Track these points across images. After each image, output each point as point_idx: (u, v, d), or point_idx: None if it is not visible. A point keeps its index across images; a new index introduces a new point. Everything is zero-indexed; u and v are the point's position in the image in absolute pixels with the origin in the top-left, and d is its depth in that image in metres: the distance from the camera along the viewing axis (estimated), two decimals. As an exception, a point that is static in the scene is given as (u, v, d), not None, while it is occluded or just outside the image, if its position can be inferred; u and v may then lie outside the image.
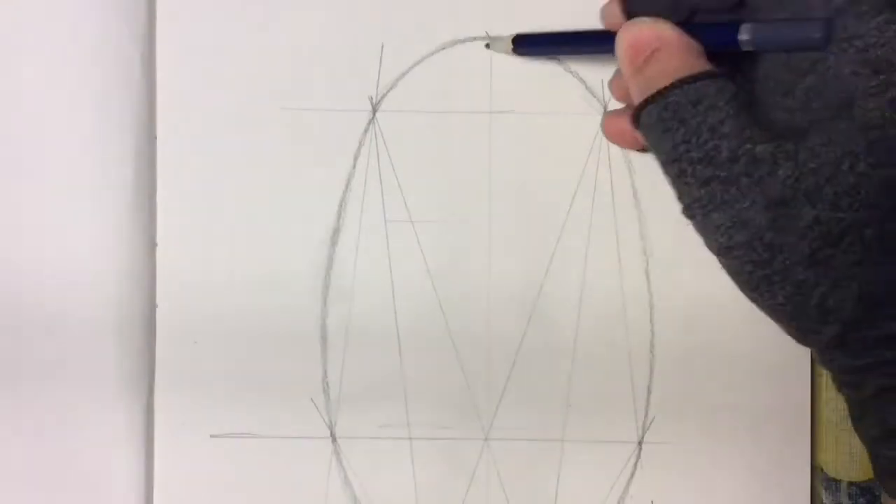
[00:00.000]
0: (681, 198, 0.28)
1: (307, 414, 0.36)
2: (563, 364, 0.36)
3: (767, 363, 0.36)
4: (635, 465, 0.36)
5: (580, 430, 0.36)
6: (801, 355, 0.36)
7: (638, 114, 0.29)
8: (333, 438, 0.37)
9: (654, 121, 0.28)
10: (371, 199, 0.37)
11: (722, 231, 0.27)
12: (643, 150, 0.32)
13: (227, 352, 0.36)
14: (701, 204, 0.27)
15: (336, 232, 0.37)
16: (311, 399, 0.36)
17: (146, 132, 0.37)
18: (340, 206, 0.37)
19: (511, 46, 0.35)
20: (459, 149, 0.37)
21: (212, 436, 0.36)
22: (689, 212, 0.28)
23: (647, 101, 0.28)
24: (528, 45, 0.35)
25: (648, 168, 0.36)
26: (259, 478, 0.37)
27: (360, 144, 0.37)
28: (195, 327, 0.37)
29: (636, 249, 0.36)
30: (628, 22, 0.29)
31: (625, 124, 0.31)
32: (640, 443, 0.36)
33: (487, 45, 0.36)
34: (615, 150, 0.36)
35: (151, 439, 0.37)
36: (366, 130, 0.37)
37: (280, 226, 0.37)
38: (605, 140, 0.36)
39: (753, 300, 0.29)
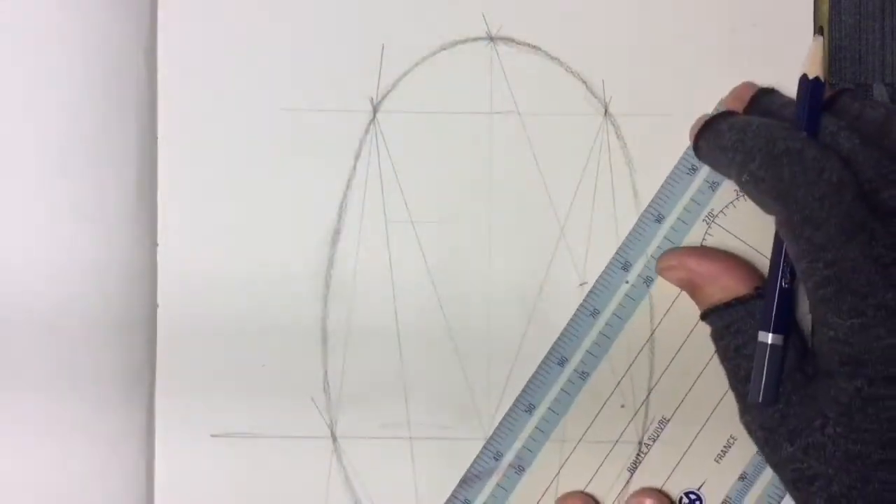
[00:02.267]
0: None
1: (308, 413, 0.36)
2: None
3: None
4: (635, 465, 0.36)
5: (580, 430, 0.36)
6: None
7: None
8: (334, 438, 0.37)
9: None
10: (371, 200, 0.37)
11: None
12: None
13: (227, 351, 0.36)
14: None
15: (336, 232, 0.37)
16: (312, 399, 0.36)
17: (147, 132, 0.37)
18: (341, 206, 0.37)
19: None
20: (460, 149, 0.37)
21: (212, 435, 0.37)
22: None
23: None
24: None
25: (649, 168, 0.36)
26: (259, 477, 0.37)
27: (361, 145, 0.37)
28: (195, 327, 0.37)
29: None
30: (657, 264, 0.36)
31: None
32: (640, 443, 0.36)
33: None
34: (615, 150, 0.36)
35: (152, 439, 0.37)
36: (366, 131, 0.37)
37: (281, 226, 0.37)
38: (605, 140, 0.36)
39: None
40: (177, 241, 0.37)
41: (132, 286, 0.36)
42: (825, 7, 0.37)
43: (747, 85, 0.35)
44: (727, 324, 0.33)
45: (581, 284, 0.36)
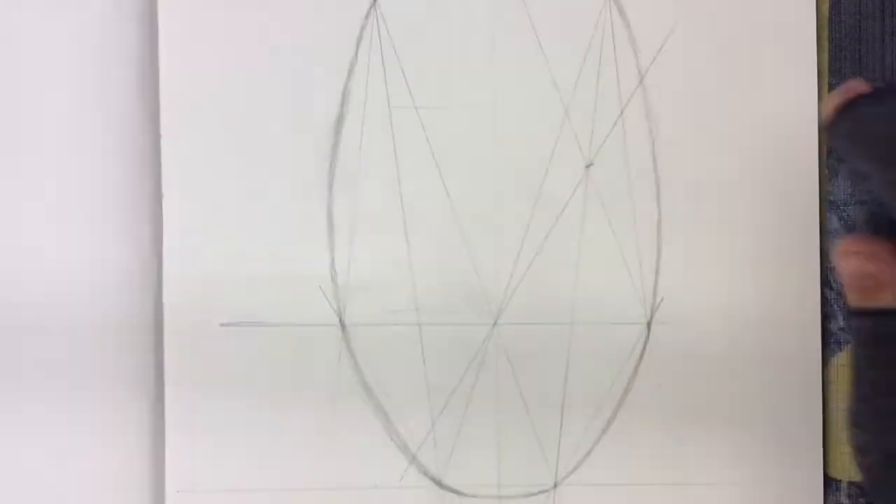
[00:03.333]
0: None
1: (316, 301, 0.36)
2: (572, 246, 0.36)
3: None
4: (644, 346, 0.36)
5: (589, 312, 0.36)
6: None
7: None
8: (342, 325, 0.37)
9: None
10: (374, 86, 0.36)
11: None
12: None
13: (235, 240, 0.36)
14: None
15: (340, 119, 0.36)
16: (320, 286, 0.36)
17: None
18: (343, 93, 0.36)
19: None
20: (462, 32, 0.36)
21: (221, 325, 0.36)
22: None
23: None
24: None
25: (652, 47, 0.36)
26: (269, 365, 0.36)
27: (362, 30, 0.36)
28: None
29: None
30: (844, 244, 0.29)
31: None
32: (648, 324, 0.36)
33: None
34: (619, 29, 0.36)
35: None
36: (367, 16, 0.36)
37: (283, 114, 0.36)
38: (608, 19, 0.36)
39: None
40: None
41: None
42: (825, 7, 0.36)
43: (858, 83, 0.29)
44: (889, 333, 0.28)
45: (587, 166, 0.36)
